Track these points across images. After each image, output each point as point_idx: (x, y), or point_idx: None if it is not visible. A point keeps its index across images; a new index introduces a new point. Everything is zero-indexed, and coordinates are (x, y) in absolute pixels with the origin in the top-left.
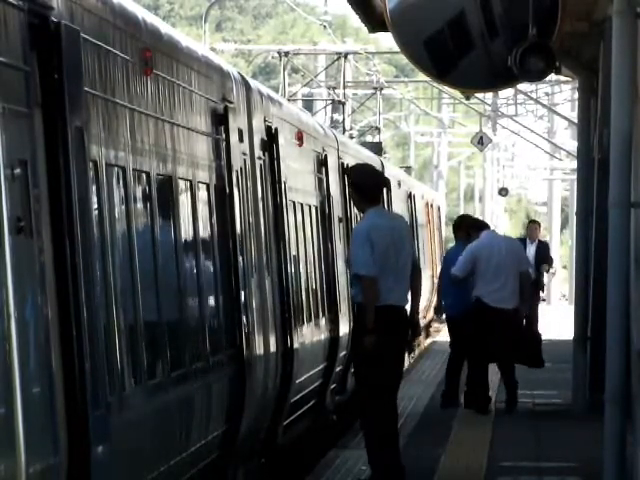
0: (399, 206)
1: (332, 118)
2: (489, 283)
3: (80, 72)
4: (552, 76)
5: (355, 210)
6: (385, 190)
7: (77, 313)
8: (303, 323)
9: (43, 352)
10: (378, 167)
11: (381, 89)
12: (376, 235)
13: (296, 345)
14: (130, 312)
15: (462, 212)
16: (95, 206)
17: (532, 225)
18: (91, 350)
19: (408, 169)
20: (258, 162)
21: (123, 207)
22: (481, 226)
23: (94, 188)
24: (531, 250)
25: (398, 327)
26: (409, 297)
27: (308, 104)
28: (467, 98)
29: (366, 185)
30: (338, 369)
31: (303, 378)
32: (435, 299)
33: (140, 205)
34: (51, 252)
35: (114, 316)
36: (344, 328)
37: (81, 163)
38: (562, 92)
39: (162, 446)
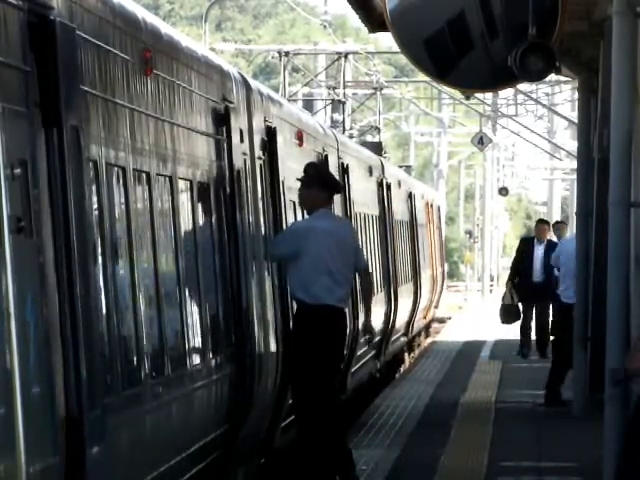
0: (399, 206)
1: (332, 118)
2: (568, 283)
3: (76, 70)
4: (552, 76)
5: (355, 209)
6: (385, 189)
7: (77, 312)
8: None
9: (43, 352)
10: (378, 167)
11: (381, 89)
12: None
13: None
14: (130, 312)
15: (462, 212)
16: (95, 206)
17: (541, 225)
18: (90, 350)
19: (408, 168)
20: (258, 162)
21: (123, 207)
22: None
23: (94, 188)
24: (540, 250)
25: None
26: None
27: (308, 104)
28: (467, 98)
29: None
30: None
31: None
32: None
33: (140, 205)
34: (51, 252)
35: (114, 316)
36: None
37: (77, 162)
38: (562, 92)
39: (162, 446)
